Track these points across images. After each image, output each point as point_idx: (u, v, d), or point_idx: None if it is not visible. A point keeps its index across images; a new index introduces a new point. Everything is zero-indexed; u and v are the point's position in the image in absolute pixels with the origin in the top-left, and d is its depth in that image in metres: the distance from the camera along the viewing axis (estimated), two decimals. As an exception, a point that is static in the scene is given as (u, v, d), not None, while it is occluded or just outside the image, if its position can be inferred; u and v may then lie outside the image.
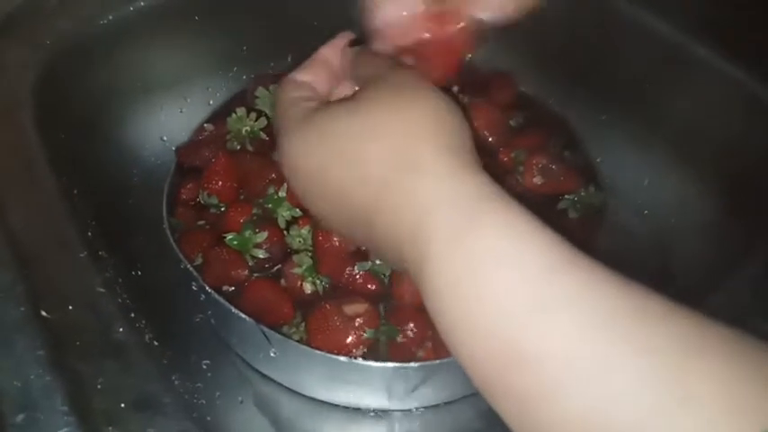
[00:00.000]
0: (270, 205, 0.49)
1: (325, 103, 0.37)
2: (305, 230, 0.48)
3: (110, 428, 0.34)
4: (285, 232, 0.48)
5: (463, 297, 0.28)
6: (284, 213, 0.49)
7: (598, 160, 0.57)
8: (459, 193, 0.29)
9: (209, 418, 0.47)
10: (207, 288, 0.45)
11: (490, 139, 0.54)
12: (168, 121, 0.62)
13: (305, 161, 0.34)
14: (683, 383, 0.23)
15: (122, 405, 0.35)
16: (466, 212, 0.29)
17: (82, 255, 0.42)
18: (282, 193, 0.49)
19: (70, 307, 0.39)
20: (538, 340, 0.25)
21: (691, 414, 0.22)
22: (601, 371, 0.24)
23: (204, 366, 0.50)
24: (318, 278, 0.47)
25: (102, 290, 0.40)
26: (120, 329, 0.38)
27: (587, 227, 0.52)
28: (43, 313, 0.37)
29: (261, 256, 0.47)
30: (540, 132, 0.56)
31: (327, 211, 0.35)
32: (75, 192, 0.49)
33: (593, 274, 0.26)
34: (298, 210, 0.49)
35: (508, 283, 0.27)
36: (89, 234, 0.45)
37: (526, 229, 0.28)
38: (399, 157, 0.31)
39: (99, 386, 0.35)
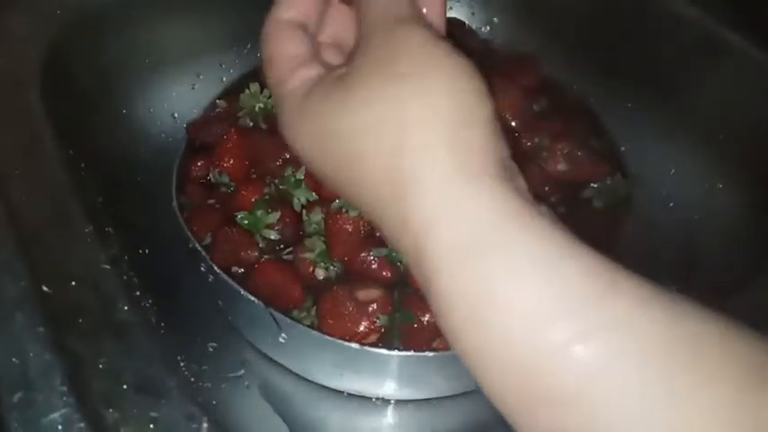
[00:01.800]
0: (286, 186, 0.47)
1: (318, 83, 0.30)
2: (321, 215, 0.46)
3: (110, 411, 0.32)
4: (302, 214, 0.47)
5: (482, 326, 0.24)
6: (300, 196, 0.47)
7: (623, 149, 0.55)
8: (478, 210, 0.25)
9: (214, 403, 0.46)
10: (215, 269, 0.44)
11: (512, 123, 0.53)
12: (180, 98, 0.61)
13: (304, 154, 0.30)
14: (751, 414, 0.21)
15: (124, 387, 0.34)
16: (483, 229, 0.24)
17: (87, 230, 0.41)
18: (300, 176, 0.47)
19: (73, 283, 0.38)
20: (578, 378, 0.22)
21: None
22: (658, 407, 0.22)
23: (211, 349, 0.49)
24: (332, 264, 0.45)
25: (106, 266, 0.39)
26: (125, 308, 0.37)
27: (613, 217, 0.50)
28: (44, 288, 0.36)
29: (272, 238, 0.46)
30: (564, 118, 0.54)
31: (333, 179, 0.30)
32: (83, 166, 0.48)
33: (640, 300, 0.23)
34: (314, 194, 0.47)
35: (539, 314, 0.23)
36: (95, 209, 0.44)
37: (556, 250, 0.24)
38: (395, 173, 0.25)
39: (100, 366, 0.34)
